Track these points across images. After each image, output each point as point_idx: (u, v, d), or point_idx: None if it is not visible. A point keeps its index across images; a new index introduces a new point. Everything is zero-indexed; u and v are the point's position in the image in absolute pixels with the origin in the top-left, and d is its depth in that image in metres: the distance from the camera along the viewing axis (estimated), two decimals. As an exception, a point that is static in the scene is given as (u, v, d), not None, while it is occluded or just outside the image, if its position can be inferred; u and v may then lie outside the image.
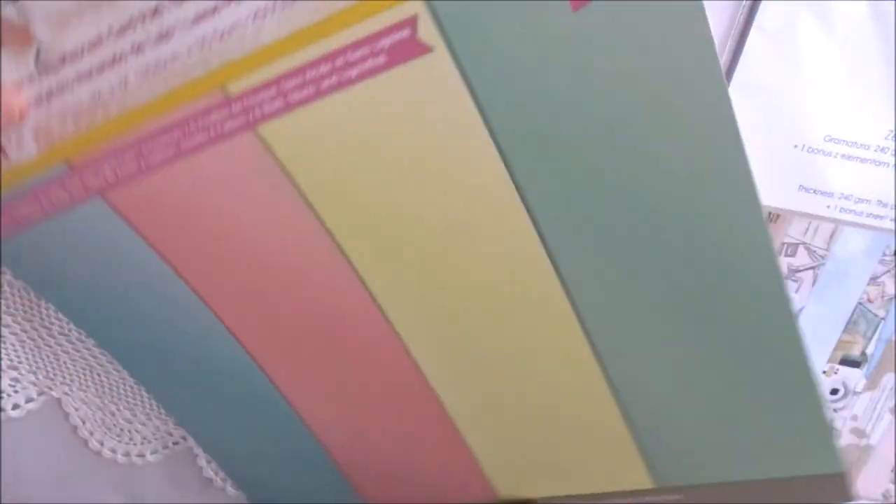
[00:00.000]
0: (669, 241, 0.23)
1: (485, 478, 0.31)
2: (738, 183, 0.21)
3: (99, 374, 0.35)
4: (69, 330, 0.33)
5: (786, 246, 0.31)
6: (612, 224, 0.23)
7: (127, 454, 0.36)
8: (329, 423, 0.31)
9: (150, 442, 0.36)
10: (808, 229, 0.30)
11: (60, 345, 0.34)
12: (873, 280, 0.31)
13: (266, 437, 0.33)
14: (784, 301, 0.23)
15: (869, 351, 0.33)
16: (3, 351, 0.34)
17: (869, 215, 0.30)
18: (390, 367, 0.28)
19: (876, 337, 0.33)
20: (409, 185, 0.23)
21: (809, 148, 0.28)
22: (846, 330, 0.32)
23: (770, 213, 0.30)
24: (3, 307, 0.33)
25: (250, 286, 0.27)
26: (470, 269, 0.25)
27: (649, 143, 0.21)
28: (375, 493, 0.34)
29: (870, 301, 0.32)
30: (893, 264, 0.31)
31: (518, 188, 0.23)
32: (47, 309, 0.33)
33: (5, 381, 0.35)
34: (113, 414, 0.36)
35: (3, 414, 0.35)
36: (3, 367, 0.34)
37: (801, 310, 0.32)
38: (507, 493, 0.32)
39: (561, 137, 0.22)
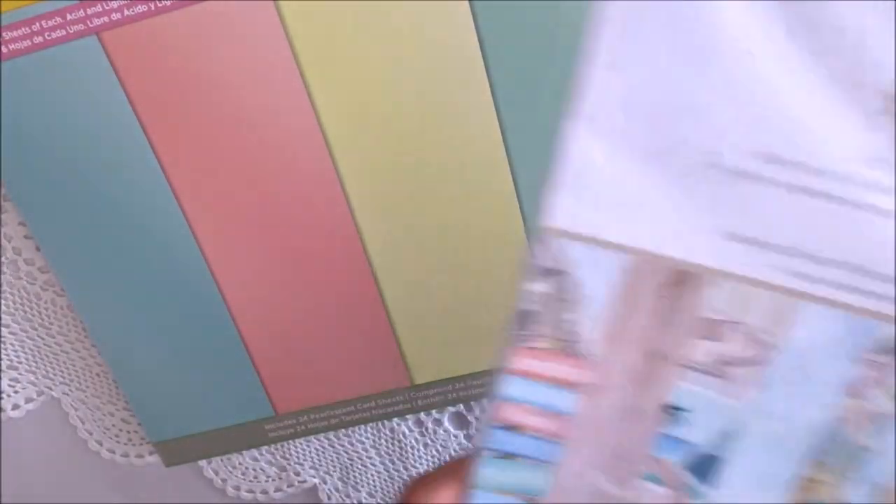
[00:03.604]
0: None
1: (403, 363, 0.32)
2: None
3: (98, 374, 0.35)
4: (69, 330, 0.33)
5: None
6: (547, 73, 0.26)
7: (126, 454, 0.36)
8: (251, 304, 0.31)
9: (149, 442, 0.36)
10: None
11: (60, 345, 0.34)
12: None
13: (182, 323, 0.32)
14: None
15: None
16: (3, 351, 0.34)
17: None
18: (334, 236, 0.29)
19: None
20: (388, 32, 0.26)
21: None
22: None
23: None
24: (3, 307, 0.33)
25: (215, 147, 0.28)
26: (423, 112, 0.27)
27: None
28: (286, 392, 0.33)
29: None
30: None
31: (481, 43, 0.26)
32: (47, 309, 0.33)
33: (5, 381, 0.35)
34: (112, 414, 0.36)
35: (2, 414, 0.35)
36: (3, 367, 0.34)
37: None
38: (421, 379, 0.32)
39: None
